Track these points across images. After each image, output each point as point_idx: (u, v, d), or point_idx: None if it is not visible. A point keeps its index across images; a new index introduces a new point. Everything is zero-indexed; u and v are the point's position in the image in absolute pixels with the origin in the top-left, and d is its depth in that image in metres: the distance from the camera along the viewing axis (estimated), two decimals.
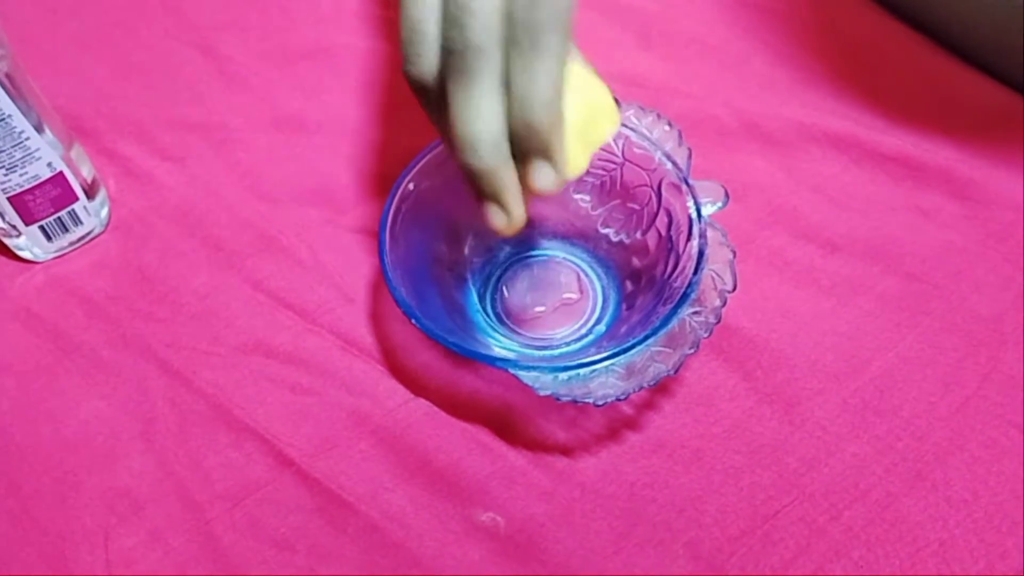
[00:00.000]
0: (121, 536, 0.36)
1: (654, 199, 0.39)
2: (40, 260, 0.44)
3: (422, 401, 0.39)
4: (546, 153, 0.29)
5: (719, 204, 0.37)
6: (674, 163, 0.38)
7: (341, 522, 0.36)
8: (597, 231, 0.42)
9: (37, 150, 0.39)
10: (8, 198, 0.40)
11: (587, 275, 0.42)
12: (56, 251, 0.44)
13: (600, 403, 0.35)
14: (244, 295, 0.43)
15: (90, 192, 0.43)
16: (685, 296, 0.34)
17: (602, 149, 0.36)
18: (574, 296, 0.42)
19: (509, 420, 0.39)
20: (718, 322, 0.35)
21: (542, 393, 0.35)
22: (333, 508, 0.37)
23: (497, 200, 0.30)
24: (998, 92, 0.47)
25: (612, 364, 0.34)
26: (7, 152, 0.38)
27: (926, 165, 0.45)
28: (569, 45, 0.29)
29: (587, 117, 0.31)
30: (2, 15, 0.39)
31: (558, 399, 0.35)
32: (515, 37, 0.28)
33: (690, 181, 0.37)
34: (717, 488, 0.37)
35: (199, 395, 0.40)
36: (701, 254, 0.35)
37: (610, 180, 0.41)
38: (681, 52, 0.51)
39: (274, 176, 0.47)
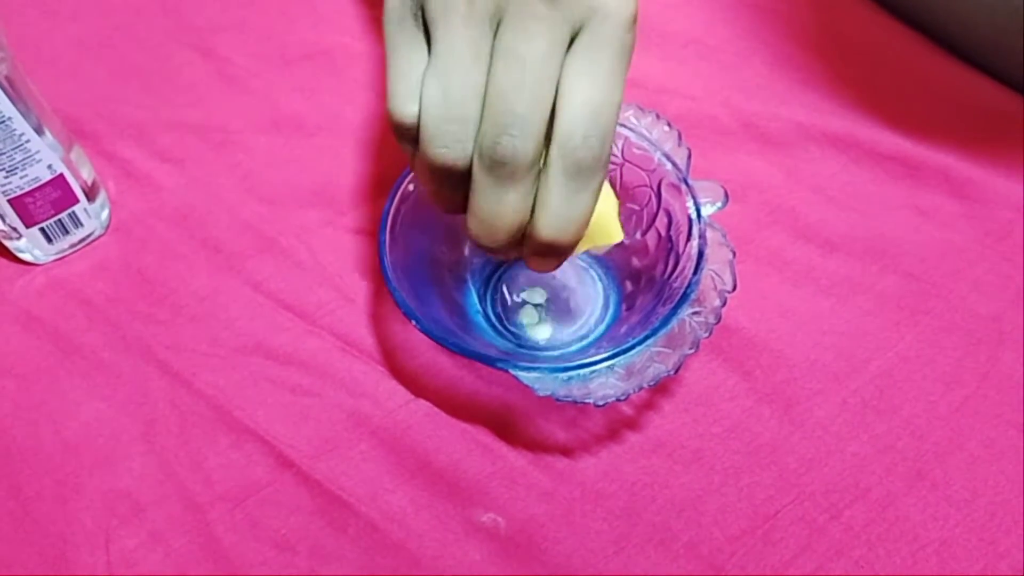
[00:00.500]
0: (122, 537, 0.36)
1: (654, 199, 0.39)
2: (40, 262, 0.44)
3: (422, 402, 0.39)
4: (559, 257, 0.31)
5: (719, 204, 0.37)
6: (673, 163, 0.38)
7: (342, 523, 0.37)
8: None
9: (37, 152, 0.39)
10: (8, 200, 0.40)
11: (587, 275, 0.42)
12: (56, 253, 0.44)
13: (600, 403, 0.35)
14: (244, 296, 0.43)
15: (90, 194, 0.43)
16: (685, 296, 0.34)
17: None
18: (574, 296, 0.42)
19: (509, 421, 0.39)
20: (718, 322, 0.35)
21: (542, 394, 0.35)
22: (334, 509, 0.37)
23: (497, 256, 0.32)
24: (997, 92, 0.47)
25: (612, 364, 0.34)
26: (7, 154, 0.38)
27: (925, 165, 0.45)
28: None
29: (594, 223, 0.31)
30: (2, 17, 0.39)
31: (558, 399, 0.35)
32: (564, 166, 0.28)
33: (689, 181, 0.37)
34: (717, 488, 0.37)
35: (199, 396, 0.40)
36: (701, 254, 0.35)
37: (610, 181, 0.41)
38: (680, 52, 0.51)
39: (274, 177, 0.47)
